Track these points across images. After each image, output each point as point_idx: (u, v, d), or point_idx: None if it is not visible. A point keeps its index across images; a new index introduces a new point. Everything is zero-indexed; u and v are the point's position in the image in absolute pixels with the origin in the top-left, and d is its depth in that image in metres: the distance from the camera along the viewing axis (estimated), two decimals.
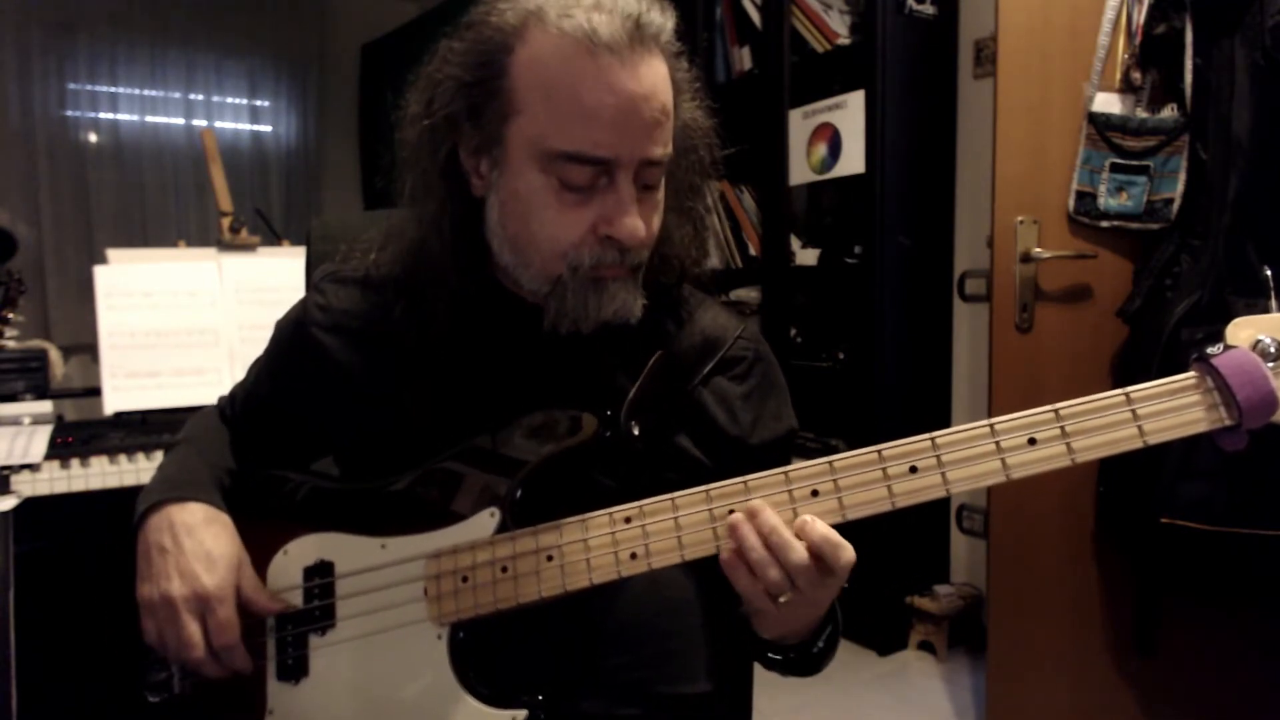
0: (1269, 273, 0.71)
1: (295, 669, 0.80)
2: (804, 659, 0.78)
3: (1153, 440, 0.62)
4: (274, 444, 0.94)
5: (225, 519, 0.83)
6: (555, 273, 0.76)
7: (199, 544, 0.78)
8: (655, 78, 0.72)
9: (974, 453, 0.64)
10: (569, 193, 0.73)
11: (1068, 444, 0.63)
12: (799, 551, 0.64)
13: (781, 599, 0.65)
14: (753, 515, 0.65)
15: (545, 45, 0.70)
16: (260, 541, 0.83)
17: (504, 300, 0.82)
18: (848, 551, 0.65)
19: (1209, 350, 0.62)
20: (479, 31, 0.74)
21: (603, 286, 0.75)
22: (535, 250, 0.76)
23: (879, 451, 0.66)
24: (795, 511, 0.66)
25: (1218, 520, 1.48)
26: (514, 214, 0.76)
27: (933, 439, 0.65)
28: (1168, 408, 0.62)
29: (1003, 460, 0.63)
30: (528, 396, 0.78)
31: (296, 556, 0.82)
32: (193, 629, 0.76)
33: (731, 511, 0.67)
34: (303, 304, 0.91)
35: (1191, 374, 0.63)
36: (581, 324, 0.76)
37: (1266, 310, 1.45)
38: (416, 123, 0.78)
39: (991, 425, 0.64)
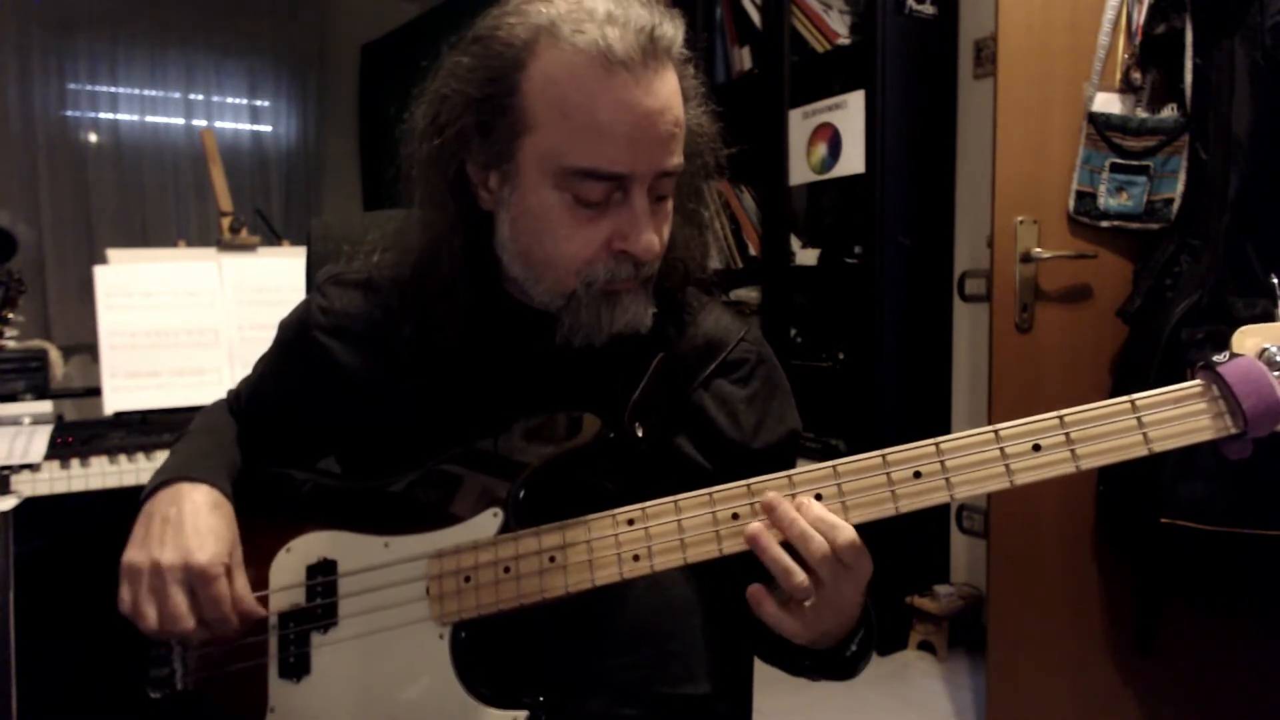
0: (1276, 280, 0.71)
1: (297, 667, 0.80)
2: (838, 662, 0.77)
3: (1158, 448, 0.62)
4: (278, 442, 0.94)
5: (229, 510, 0.83)
6: (569, 288, 0.75)
7: (200, 521, 0.78)
8: (668, 91, 0.71)
9: (978, 459, 0.64)
10: (583, 208, 0.72)
11: (1072, 450, 0.62)
12: (818, 540, 0.64)
13: (807, 602, 0.65)
14: (770, 509, 0.66)
15: (558, 62, 0.69)
16: (263, 538, 0.83)
17: (512, 310, 0.82)
18: (845, 531, 0.64)
19: (1215, 359, 0.62)
20: (487, 46, 0.72)
21: (615, 300, 0.75)
22: (548, 266, 0.76)
23: (883, 456, 0.66)
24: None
25: (1218, 520, 1.48)
26: (526, 230, 0.76)
27: (937, 444, 0.65)
28: (1173, 415, 0.62)
29: (1007, 466, 0.63)
30: (533, 401, 0.78)
31: (299, 554, 0.82)
32: (179, 599, 0.75)
33: (735, 516, 0.68)
34: (306, 305, 0.91)
35: (1197, 382, 0.63)
36: (594, 338, 0.76)
37: (1267, 311, 1.45)
38: (423, 139, 0.77)
39: (996, 431, 0.64)
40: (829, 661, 0.76)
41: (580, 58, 0.68)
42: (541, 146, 0.71)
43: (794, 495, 0.67)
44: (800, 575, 0.64)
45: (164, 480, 0.82)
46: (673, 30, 0.71)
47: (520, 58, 0.71)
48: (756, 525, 0.66)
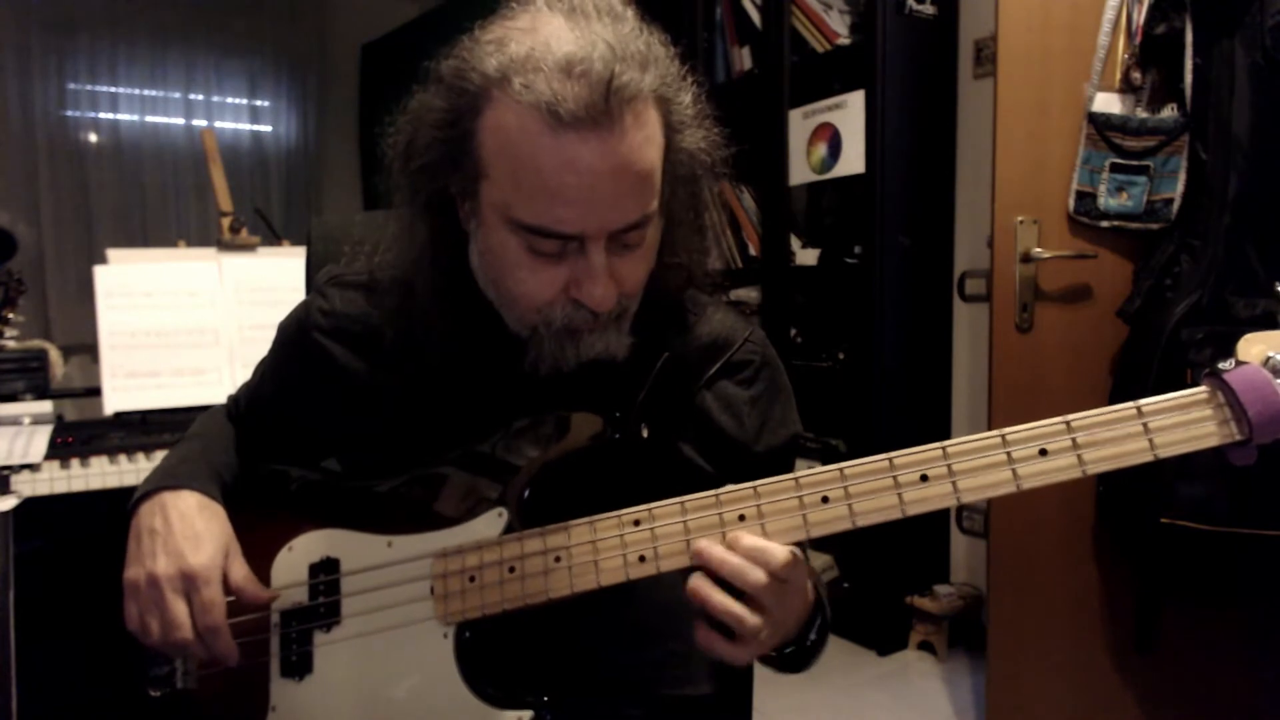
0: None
1: (299, 666, 0.80)
2: (800, 653, 0.77)
3: (1163, 454, 0.62)
4: (279, 444, 0.94)
5: (218, 509, 0.83)
6: (530, 323, 0.75)
7: (189, 526, 0.78)
8: (628, 147, 0.66)
9: (985, 462, 0.64)
10: (540, 255, 0.71)
11: (1079, 455, 0.63)
12: (755, 571, 0.64)
13: (756, 623, 0.65)
14: (699, 555, 0.66)
15: (507, 116, 0.66)
16: (265, 537, 0.83)
17: (498, 323, 0.81)
18: (777, 554, 0.65)
19: (1221, 366, 0.63)
20: (448, 88, 0.71)
21: (579, 337, 0.74)
22: (510, 301, 0.76)
23: (890, 460, 0.66)
24: (763, 528, 0.67)
25: (1218, 520, 1.48)
26: (489, 264, 0.76)
27: (944, 448, 0.65)
28: (1179, 421, 0.62)
29: (1014, 470, 0.63)
30: (532, 404, 0.78)
31: (302, 552, 0.82)
32: (179, 608, 0.75)
33: (741, 517, 0.68)
34: (305, 307, 0.91)
35: (1203, 388, 0.63)
36: (562, 366, 0.75)
37: (1268, 312, 1.45)
38: (397, 170, 0.77)
39: (1003, 435, 0.64)
40: (791, 658, 0.76)
41: (528, 115, 0.65)
42: (494, 195, 0.70)
43: (724, 533, 0.67)
44: (752, 620, 0.64)
45: (146, 492, 0.82)
46: (639, 75, 0.66)
47: (475, 105, 0.69)
48: (696, 579, 0.66)
